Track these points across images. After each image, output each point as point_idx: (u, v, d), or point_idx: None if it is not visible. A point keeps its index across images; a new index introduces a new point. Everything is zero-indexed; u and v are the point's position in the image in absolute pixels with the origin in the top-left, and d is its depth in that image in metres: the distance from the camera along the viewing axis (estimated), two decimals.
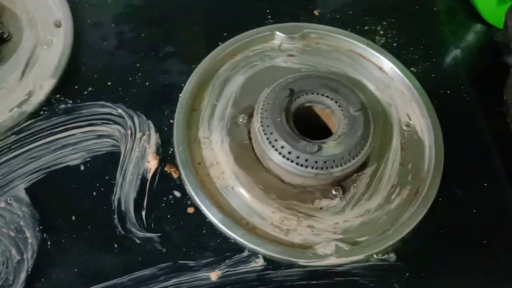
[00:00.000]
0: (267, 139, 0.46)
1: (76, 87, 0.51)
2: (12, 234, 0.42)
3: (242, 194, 0.47)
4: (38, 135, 0.47)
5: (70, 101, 0.50)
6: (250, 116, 0.51)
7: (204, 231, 0.44)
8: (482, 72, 0.61)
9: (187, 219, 0.45)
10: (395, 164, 0.50)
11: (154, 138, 0.49)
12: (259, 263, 0.43)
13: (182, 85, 0.51)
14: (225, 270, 0.43)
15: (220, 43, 0.55)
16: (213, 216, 0.45)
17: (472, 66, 0.58)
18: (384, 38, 0.59)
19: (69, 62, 0.52)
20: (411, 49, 0.58)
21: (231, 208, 0.46)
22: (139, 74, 0.52)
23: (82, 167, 0.46)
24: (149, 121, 0.49)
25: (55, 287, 0.41)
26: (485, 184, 0.49)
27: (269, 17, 0.59)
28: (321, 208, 0.47)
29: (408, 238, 0.46)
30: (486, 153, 0.51)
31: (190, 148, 0.49)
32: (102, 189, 0.45)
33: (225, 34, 0.56)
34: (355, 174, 0.49)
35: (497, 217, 0.48)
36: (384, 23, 0.60)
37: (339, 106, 0.48)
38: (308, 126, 0.48)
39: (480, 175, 0.50)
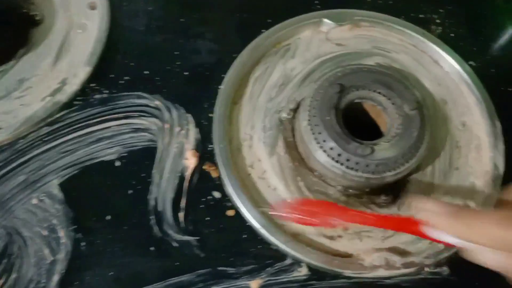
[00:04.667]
0: (315, 139, 0.42)
1: (112, 76, 0.48)
2: (45, 233, 0.40)
3: (285, 196, 0.44)
4: (72, 127, 0.45)
5: (106, 91, 0.47)
6: (295, 111, 0.47)
7: (244, 236, 0.42)
8: None
9: (227, 222, 0.42)
10: (450, 168, 0.47)
11: (193, 133, 0.46)
12: (303, 272, 0.41)
13: (223, 75, 0.48)
14: (266, 279, 0.40)
15: (263, 31, 0.51)
16: (254, 220, 0.42)
17: None
18: (440, 28, 0.54)
19: (104, 49, 0.49)
20: (470, 40, 0.54)
21: None
22: (178, 63, 0.49)
23: (117, 163, 0.44)
24: (188, 115, 0.47)
25: None
26: None
27: (316, 2, 0.54)
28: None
29: None
30: None
31: (230, 145, 0.46)
32: (139, 187, 0.43)
33: (269, 21, 0.52)
34: (406, 178, 0.45)
35: None
36: (441, 11, 0.55)
37: (393, 104, 0.44)
38: (355, 123, 0.45)
39: None
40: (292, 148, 0.46)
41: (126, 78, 0.48)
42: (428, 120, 0.45)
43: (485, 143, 0.48)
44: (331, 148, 0.42)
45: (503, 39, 0.55)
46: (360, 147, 0.41)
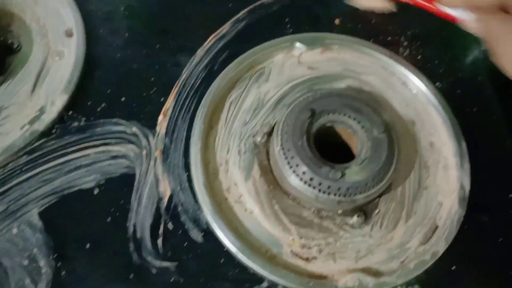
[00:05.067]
0: (288, 163, 0.44)
1: (89, 103, 0.49)
2: (25, 263, 0.41)
3: (261, 219, 0.45)
4: (51, 156, 0.46)
5: (83, 119, 0.48)
6: (269, 134, 0.49)
7: (222, 260, 0.43)
8: (510, 84, 0.58)
9: (205, 247, 0.43)
10: (419, 188, 0.49)
11: (170, 158, 0.47)
12: None
13: (199, 102, 0.49)
14: None
15: (237, 56, 0.53)
16: (231, 244, 0.43)
17: (500, 80, 0.56)
18: (408, 50, 0.56)
19: (81, 76, 0.50)
20: (436, 62, 0.56)
21: (250, 235, 0.45)
22: (154, 88, 0.50)
23: (96, 191, 0.45)
24: (165, 140, 0.48)
25: None
26: None
27: (288, 26, 0.56)
28: (342, 235, 0.45)
29: (433, 269, 0.44)
30: None
31: (207, 169, 0.47)
32: (117, 214, 0.44)
33: (243, 45, 0.53)
34: (377, 199, 0.47)
35: None
36: (408, 33, 0.57)
37: (362, 127, 0.46)
38: (328, 144, 0.46)
39: (507, 202, 0.48)
40: (267, 171, 0.47)
41: (103, 105, 0.49)
42: (397, 142, 0.46)
43: (452, 163, 0.50)
44: (304, 173, 0.43)
45: (469, 60, 0.57)
46: (332, 171, 0.43)
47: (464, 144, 0.50)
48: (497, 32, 0.38)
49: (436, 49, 0.57)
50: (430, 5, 0.45)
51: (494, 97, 0.54)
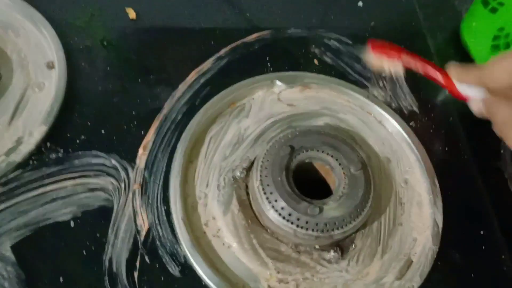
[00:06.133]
0: (267, 198, 0.44)
1: (68, 135, 0.49)
2: None
3: (238, 254, 0.45)
4: (26, 187, 0.45)
5: (61, 150, 0.48)
6: (249, 169, 0.49)
7: None
8: (479, 125, 0.60)
9: (182, 282, 0.43)
10: (395, 224, 0.49)
11: (149, 191, 0.47)
12: None
13: (179, 136, 0.50)
14: None
15: (218, 91, 0.54)
16: (208, 279, 0.43)
17: (470, 122, 0.58)
18: (384, 91, 0.58)
19: (61, 108, 0.50)
20: (410, 102, 0.58)
21: (227, 269, 0.44)
22: (135, 122, 0.51)
23: (72, 223, 0.44)
24: (144, 173, 0.48)
25: None
26: (483, 247, 0.49)
27: (268, 64, 0.58)
28: (319, 270, 0.46)
29: None
30: (483, 215, 0.51)
31: (186, 203, 0.47)
32: (93, 247, 0.43)
33: (225, 81, 0.54)
34: (354, 234, 0.48)
35: (496, 282, 0.48)
36: (384, 75, 0.59)
37: (340, 164, 0.47)
38: (306, 180, 0.47)
39: (478, 238, 0.49)
40: (245, 206, 0.48)
41: (82, 137, 0.49)
42: (373, 179, 0.48)
43: (425, 200, 0.51)
44: (282, 208, 0.44)
45: (440, 102, 0.60)
46: (310, 207, 0.43)
47: (437, 182, 0.51)
48: (505, 116, 0.37)
49: (410, 90, 0.59)
50: (444, 82, 0.44)
51: (464, 138, 0.56)
